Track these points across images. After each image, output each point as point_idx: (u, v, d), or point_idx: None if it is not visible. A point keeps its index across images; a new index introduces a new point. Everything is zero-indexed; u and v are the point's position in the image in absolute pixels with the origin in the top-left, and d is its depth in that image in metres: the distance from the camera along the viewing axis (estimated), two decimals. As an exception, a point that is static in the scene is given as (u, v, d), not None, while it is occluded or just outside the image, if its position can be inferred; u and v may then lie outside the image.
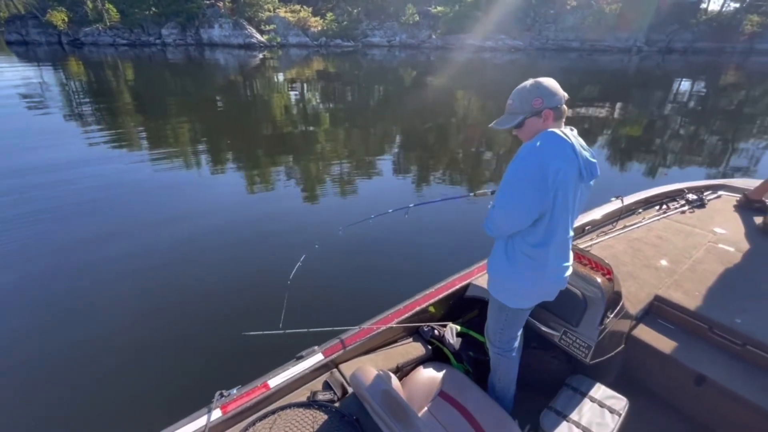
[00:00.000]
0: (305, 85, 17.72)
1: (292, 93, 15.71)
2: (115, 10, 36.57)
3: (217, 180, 6.64)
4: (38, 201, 5.51)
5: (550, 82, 1.44)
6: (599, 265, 1.96)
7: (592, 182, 1.53)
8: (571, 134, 1.44)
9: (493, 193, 1.80)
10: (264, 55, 31.93)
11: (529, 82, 1.47)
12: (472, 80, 19.79)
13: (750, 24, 37.75)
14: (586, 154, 1.44)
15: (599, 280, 1.87)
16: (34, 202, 5.48)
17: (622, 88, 17.51)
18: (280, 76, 20.29)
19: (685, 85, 19.08)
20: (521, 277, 1.61)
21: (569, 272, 1.67)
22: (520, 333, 1.88)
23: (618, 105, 13.64)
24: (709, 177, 3.46)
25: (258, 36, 38.72)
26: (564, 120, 1.49)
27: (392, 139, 9.31)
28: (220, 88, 16.51)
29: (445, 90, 16.45)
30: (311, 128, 10.16)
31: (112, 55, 28.71)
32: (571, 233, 1.60)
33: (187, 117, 11.20)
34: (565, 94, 1.46)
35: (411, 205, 2.09)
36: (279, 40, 39.37)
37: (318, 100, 14.37)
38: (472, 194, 2.01)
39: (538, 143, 1.40)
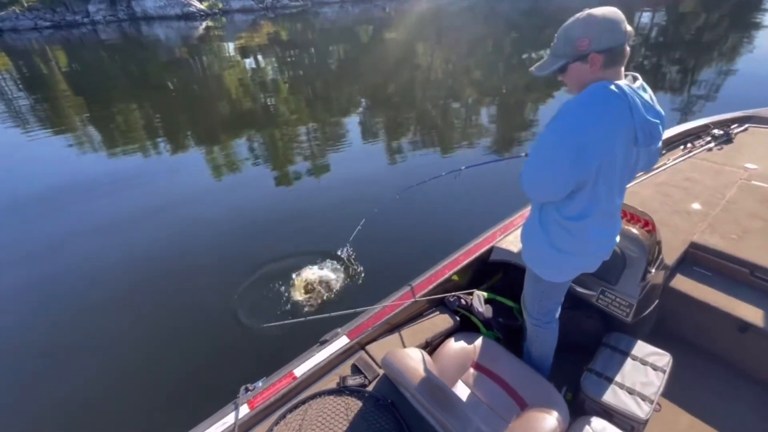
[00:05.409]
0: (269, 52, 16.61)
1: (259, 64, 14.72)
2: (30, -11, 32.72)
3: (190, 167, 6.23)
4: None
5: (606, 16, 1.11)
6: (636, 216, 1.81)
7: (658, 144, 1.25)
8: (629, 88, 1.13)
9: None
10: (207, 24, 29.65)
11: (581, 14, 1.15)
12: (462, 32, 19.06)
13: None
14: (645, 113, 1.14)
15: (637, 232, 1.74)
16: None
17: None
18: (230, 46, 18.90)
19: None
20: (555, 249, 1.40)
21: (617, 241, 1.48)
22: (560, 303, 1.70)
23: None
24: (727, 109, 3.30)
25: (197, 3, 35.71)
26: (623, 66, 1.18)
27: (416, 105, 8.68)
28: (170, 66, 15.26)
29: (428, 46, 15.80)
30: (308, 102, 9.56)
31: (37, 40, 25.92)
32: (620, 200, 1.39)
33: (152, 103, 10.32)
34: (629, 30, 1.12)
35: (463, 168, 1.99)
36: (221, 6, 36.53)
37: (290, 69, 13.53)
38: (524, 155, 1.71)
39: (581, 102, 1.15)
